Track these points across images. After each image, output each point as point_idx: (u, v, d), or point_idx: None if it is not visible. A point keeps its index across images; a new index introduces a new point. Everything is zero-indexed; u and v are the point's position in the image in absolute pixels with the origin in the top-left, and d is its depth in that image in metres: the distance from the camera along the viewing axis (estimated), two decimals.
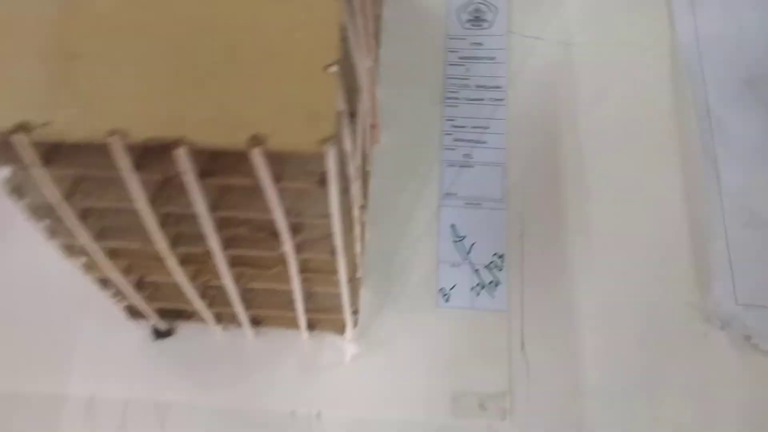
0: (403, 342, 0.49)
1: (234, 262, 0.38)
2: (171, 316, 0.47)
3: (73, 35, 0.31)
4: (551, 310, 0.50)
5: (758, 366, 0.48)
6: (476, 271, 0.51)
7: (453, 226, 0.53)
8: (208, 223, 0.34)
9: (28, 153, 0.29)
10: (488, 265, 0.51)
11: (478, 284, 0.51)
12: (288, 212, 0.33)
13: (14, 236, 0.51)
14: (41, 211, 0.35)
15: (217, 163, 0.31)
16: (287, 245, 0.36)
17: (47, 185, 0.31)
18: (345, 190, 0.35)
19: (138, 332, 0.48)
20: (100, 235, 0.36)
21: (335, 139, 0.29)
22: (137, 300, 0.44)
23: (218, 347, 0.49)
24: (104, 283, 0.42)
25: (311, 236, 0.35)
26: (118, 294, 0.44)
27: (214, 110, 0.29)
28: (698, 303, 0.50)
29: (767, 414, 0.46)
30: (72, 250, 0.38)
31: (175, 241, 0.36)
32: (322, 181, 0.31)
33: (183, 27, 0.31)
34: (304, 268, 0.39)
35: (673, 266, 0.51)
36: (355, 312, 0.46)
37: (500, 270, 0.51)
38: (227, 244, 0.36)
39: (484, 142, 0.55)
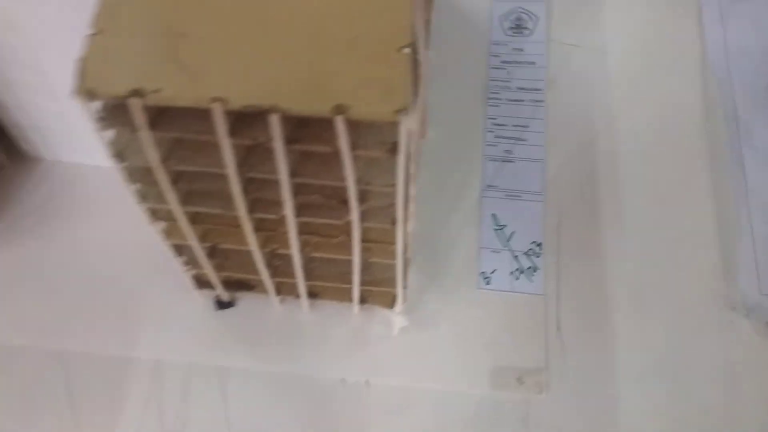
0: (445, 319, 0.52)
1: (302, 230, 0.42)
2: (234, 287, 0.51)
3: (180, 17, 0.35)
4: (586, 295, 0.53)
5: None
6: (515, 257, 0.55)
7: (494, 215, 0.56)
8: (287, 188, 0.38)
9: (139, 116, 0.34)
10: (527, 251, 0.55)
11: (517, 269, 0.54)
12: (358, 180, 0.37)
13: (92, 210, 0.55)
14: (137, 175, 0.39)
15: (300, 132, 0.35)
16: (354, 213, 0.40)
17: (149, 148, 0.36)
18: (408, 164, 0.39)
19: (202, 302, 0.52)
20: (185, 200, 0.40)
21: (407, 110, 0.33)
22: (207, 268, 0.48)
23: (275, 319, 0.52)
24: (179, 250, 0.47)
25: (376, 205, 0.39)
26: (190, 262, 0.48)
27: (302, 83, 0.34)
28: (724, 292, 0.53)
29: None
30: (157, 214, 0.42)
31: (252, 207, 0.40)
32: (393, 150, 0.35)
33: (274, 10, 0.35)
34: (365, 238, 0.43)
35: (701, 258, 0.54)
36: (405, 286, 0.49)
37: (538, 257, 0.55)
38: (299, 211, 0.40)
39: (524, 140, 0.59)
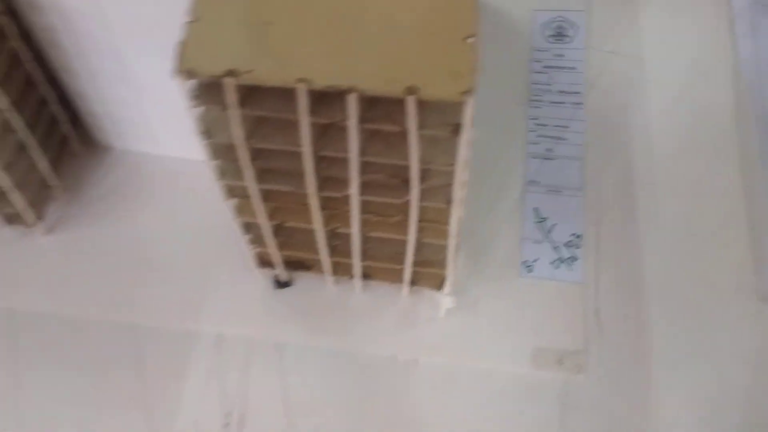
0: (489, 303, 0.56)
1: (363, 209, 0.46)
2: (293, 266, 0.55)
3: (268, 8, 0.39)
4: (622, 284, 0.56)
5: None
6: (556, 247, 0.58)
7: (536, 209, 0.59)
8: (355, 167, 0.42)
9: (231, 94, 0.38)
10: (567, 243, 0.58)
11: (557, 259, 0.57)
12: (420, 159, 0.41)
13: (158, 195, 0.60)
14: (219, 152, 0.43)
15: (368, 113, 0.39)
16: (414, 192, 0.43)
17: (235, 126, 0.40)
18: (466, 146, 0.42)
19: (261, 282, 0.56)
20: (260, 177, 0.44)
21: (472, 92, 0.36)
22: (271, 246, 0.51)
23: (329, 298, 0.56)
24: (247, 227, 0.50)
25: (435, 184, 0.43)
26: (255, 240, 0.52)
27: (377, 66, 0.37)
28: (754, 283, 0.56)
29: None
30: (232, 191, 0.46)
31: (321, 185, 0.44)
32: (456, 131, 0.39)
33: (351, 2, 0.39)
34: (421, 218, 0.46)
35: (732, 251, 0.57)
36: (453, 269, 0.53)
37: (577, 248, 0.58)
38: (363, 189, 0.44)
39: (564, 139, 0.62)
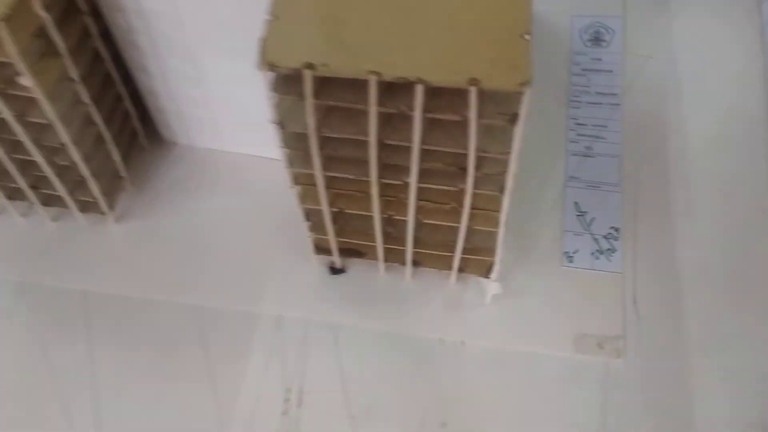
0: (532, 291, 0.59)
1: (420, 196, 0.49)
2: (347, 254, 0.58)
3: (340, 7, 0.43)
4: (659, 274, 0.59)
5: None
6: (595, 239, 0.61)
7: (576, 203, 0.63)
8: (416, 154, 0.45)
9: (309, 85, 0.41)
10: (606, 235, 0.61)
11: (597, 250, 0.60)
12: (478, 148, 0.44)
13: (220, 187, 0.64)
14: (291, 141, 0.47)
15: (432, 103, 0.42)
16: (469, 179, 0.46)
17: (309, 115, 0.43)
18: (520, 135, 0.45)
19: (317, 268, 0.60)
20: (326, 165, 0.48)
21: (530, 84, 0.40)
22: (330, 233, 0.55)
23: (380, 284, 0.59)
24: (309, 214, 0.54)
25: (489, 172, 0.46)
26: (315, 227, 0.55)
27: (441, 60, 0.41)
28: None
29: None
30: (298, 178, 0.50)
31: (382, 172, 0.48)
32: (513, 120, 0.42)
33: (416, 1, 0.43)
34: (473, 205, 0.49)
35: (763, 243, 0.60)
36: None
37: (616, 240, 0.61)
38: (421, 176, 0.47)
39: (603, 138, 0.66)
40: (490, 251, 0.54)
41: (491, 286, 0.57)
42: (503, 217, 0.50)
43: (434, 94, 0.42)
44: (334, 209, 0.53)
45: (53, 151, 0.54)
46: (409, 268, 0.58)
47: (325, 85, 0.43)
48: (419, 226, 0.53)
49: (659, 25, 0.72)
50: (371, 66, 0.40)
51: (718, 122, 0.66)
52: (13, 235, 0.62)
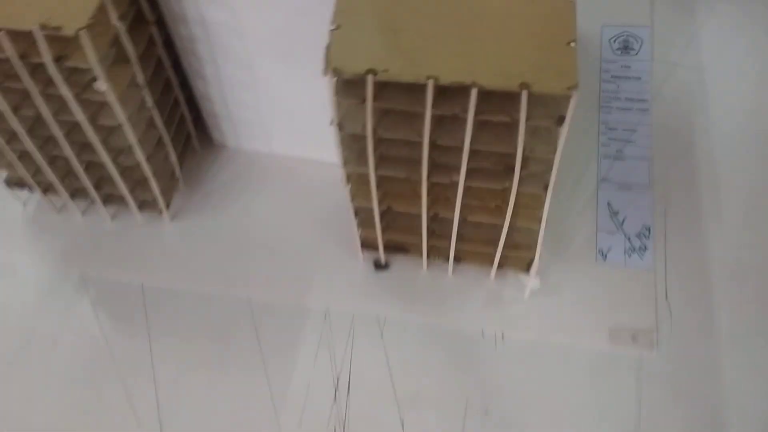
0: (568, 286, 0.61)
1: (466, 194, 0.52)
2: (392, 250, 0.62)
3: (397, 17, 0.46)
4: (689, 270, 0.62)
5: None
6: (628, 238, 0.64)
7: (609, 203, 0.66)
8: (466, 154, 0.48)
9: (371, 89, 0.44)
10: (638, 234, 0.64)
11: (629, 248, 0.63)
12: (524, 148, 0.47)
13: (267, 187, 0.67)
14: (347, 142, 0.50)
15: (482, 106, 0.45)
16: (515, 178, 0.49)
17: (368, 117, 0.46)
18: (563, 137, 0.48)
19: (362, 264, 0.63)
20: (379, 164, 0.51)
21: (576, 88, 0.43)
22: (377, 229, 0.58)
23: (423, 280, 0.62)
24: (358, 211, 0.57)
25: (534, 171, 0.49)
26: (363, 224, 0.58)
27: (493, 66, 0.44)
28: None
29: None
30: (352, 177, 0.53)
31: (431, 171, 0.51)
32: (560, 121, 0.45)
33: (467, 12, 0.46)
34: (517, 203, 0.52)
35: None
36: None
37: (647, 238, 0.63)
38: (469, 175, 0.50)
39: (633, 141, 0.68)
40: (531, 247, 0.57)
41: (530, 281, 0.60)
42: (545, 214, 0.53)
43: (484, 97, 0.45)
44: (383, 207, 0.56)
45: (119, 152, 0.57)
46: (451, 264, 0.61)
47: (383, 89, 0.46)
48: (463, 223, 0.56)
49: (686, 34, 0.75)
50: (428, 71, 0.44)
51: (744, 125, 0.69)
52: (74, 233, 0.65)
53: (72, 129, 0.55)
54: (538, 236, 0.56)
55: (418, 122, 0.47)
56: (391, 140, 0.49)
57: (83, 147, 0.57)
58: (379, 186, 0.53)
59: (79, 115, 0.52)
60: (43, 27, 0.46)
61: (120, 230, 0.65)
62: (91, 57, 0.48)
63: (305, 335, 0.60)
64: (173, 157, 0.63)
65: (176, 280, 0.63)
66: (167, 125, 0.60)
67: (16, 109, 0.54)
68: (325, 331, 0.60)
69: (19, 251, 0.65)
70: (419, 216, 0.56)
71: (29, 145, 0.56)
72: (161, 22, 0.57)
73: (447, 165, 0.50)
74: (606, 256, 0.63)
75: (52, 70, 0.49)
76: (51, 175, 0.60)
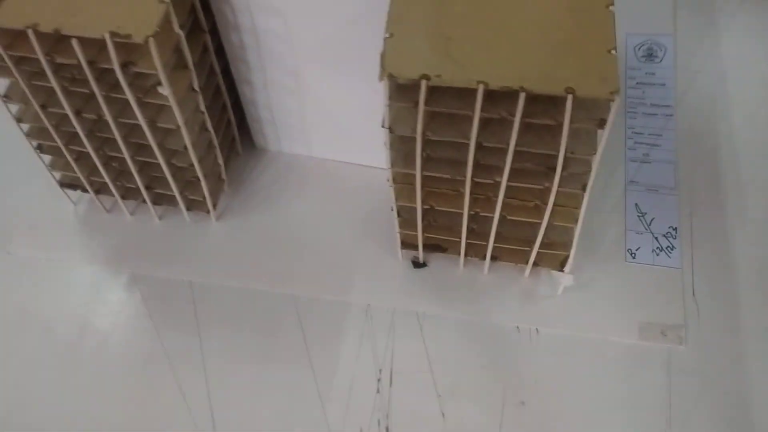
0: (599, 284, 0.64)
1: (507, 194, 0.55)
2: (431, 249, 0.64)
3: (446, 25, 0.49)
4: (715, 268, 0.64)
5: None
6: (655, 238, 0.66)
7: (636, 204, 0.68)
8: (510, 155, 0.51)
9: (423, 94, 0.47)
10: (665, 234, 0.66)
11: (657, 247, 0.66)
12: (566, 149, 0.50)
13: (307, 189, 0.70)
14: (396, 144, 0.53)
15: (527, 110, 0.48)
16: (556, 178, 0.52)
17: (419, 120, 0.49)
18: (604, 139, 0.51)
19: (401, 262, 0.66)
20: (424, 165, 0.54)
21: (619, 92, 0.45)
22: (419, 227, 0.61)
23: (459, 277, 0.65)
24: (401, 211, 0.60)
25: (574, 171, 0.52)
26: (405, 223, 0.61)
27: (539, 71, 0.47)
28: None
29: None
30: (397, 177, 0.56)
31: (475, 172, 0.53)
32: (601, 124, 0.48)
33: (513, 20, 0.49)
34: (556, 202, 0.55)
35: None
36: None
37: (674, 238, 0.66)
38: (511, 176, 0.53)
39: (658, 145, 0.71)
40: (566, 246, 0.60)
41: (564, 278, 0.62)
42: (582, 213, 0.56)
43: (529, 101, 0.48)
44: (426, 206, 0.58)
45: (173, 154, 0.60)
46: (488, 262, 0.64)
47: (433, 93, 0.49)
48: (502, 221, 0.59)
49: (708, 42, 0.78)
50: (478, 76, 0.46)
51: (765, 129, 0.72)
52: (124, 232, 0.68)
53: (130, 131, 0.58)
54: (573, 234, 0.58)
55: (464, 124, 0.50)
56: (438, 142, 0.52)
57: (139, 148, 0.60)
58: (423, 186, 0.56)
59: (140, 117, 0.55)
60: (114, 35, 0.49)
61: (168, 229, 0.68)
62: (157, 63, 0.51)
63: (348, 329, 0.63)
64: (220, 160, 0.66)
65: (223, 277, 0.65)
66: (216, 129, 0.63)
67: (78, 112, 0.56)
68: (366, 325, 0.63)
69: (72, 249, 0.67)
70: (460, 215, 0.58)
71: (88, 146, 0.59)
72: (214, 31, 0.60)
73: (491, 165, 0.53)
74: (635, 254, 0.66)
75: (119, 75, 0.51)
76: (105, 176, 0.63)
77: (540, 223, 0.57)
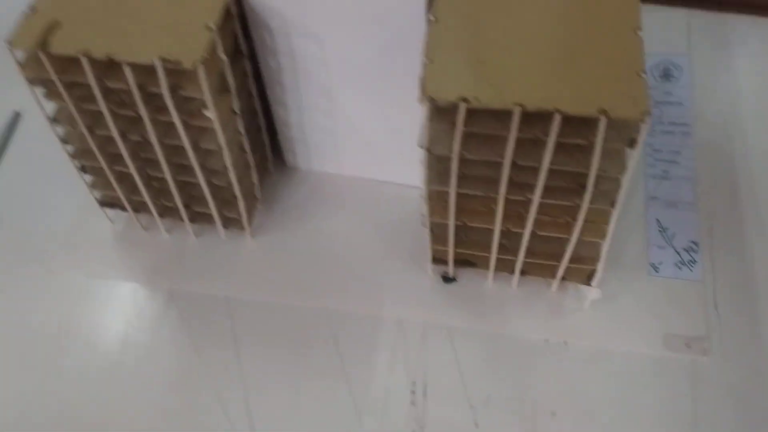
0: (624, 298, 0.66)
1: (539, 210, 0.57)
2: (460, 264, 0.66)
3: (482, 51, 0.51)
4: (736, 282, 0.66)
5: None
6: (677, 252, 0.68)
7: (657, 220, 0.70)
8: (544, 174, 0.53)
9: (461, 116, 0.49)
10: (686, 248, 0.68)
11: (679, 261, 0.68)
12: (598, 168, 0.52)
13: (338, 206, 0.72)
14: (432, 163, 0.55)
15: (560, 129, 0.50)
16: (587, 195, 0.54)
17: (456, 140, 0.51)
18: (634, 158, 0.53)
19: (431, 277, 0.67)
20: (460, 183, 0.56)
21: (650, 113, 0.48)
22: (449, 243, 0.63)
23: (488, 292, 0.67)
24: (433, 227, 0.62)
25: (605, 189, 0.54)
26: (437, 239, 0.63)
27: (573, 93, 0.49)
28: None
29: None
30: (432, 195, 0.58)
31: (508, 189, 0.56)
32: (632, 144, 0.50)
33: (544, 44, 0.51)
34: (586, 218, 0.57)
35: None
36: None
37: (695, 252, 0.68)
38: (543, 193, 0.55)
39: (677, 162, 0.73)
40: (593, 260, 0.62)
41: (591, 291, 0.64)
42: (611, 229, 0.58)
43: (563, 121, 0.50)
44: (458, 222, 0.60)
45: (212, 174, 0.62)
46: (516, 276, 0.66)
47: (470, 115, 0.51)
48: (532, 237, 0.61)
49: (722, 62, 0.81)
50: (515, 99, 0.49)
51: None
52: (160, 249, 0.70)
53: (173, 152, 0.60)
54: (600, 249, 0.60)
55: (499, 144, 0.52)
56: (473, 161, 0.54)
57: (180, 168, 0.62)
58: (456, 203, 0.58)
59: (185, 139, 0.57)
60: (164, 61, 0.51)
61: (204, 246, 0.70)
62: (204, 87, 0.53)
63: (381, 343, 0.65)
64: (255, 179, 0.68)
65: (259, 293, 0.67)
66: (252, 149, 0.65)
67: (123, 134, 0.59)
68: (399, 339, 0.65)
69: (111, 267, 0.69)
70: (491, 231, 0.60)
71: (131, 167, 0.61)
72: (251, 55, 0.62)
73: (523, 183, 0.55)
74: (658, 268, 0.67)
75: (167, 99, 0.54)
76: (145, 195, 0.65)
77: (569, 239, 0.59)
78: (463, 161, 0.54)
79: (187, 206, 0.67)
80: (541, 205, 0.57)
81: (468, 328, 0.65)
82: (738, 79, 0.79)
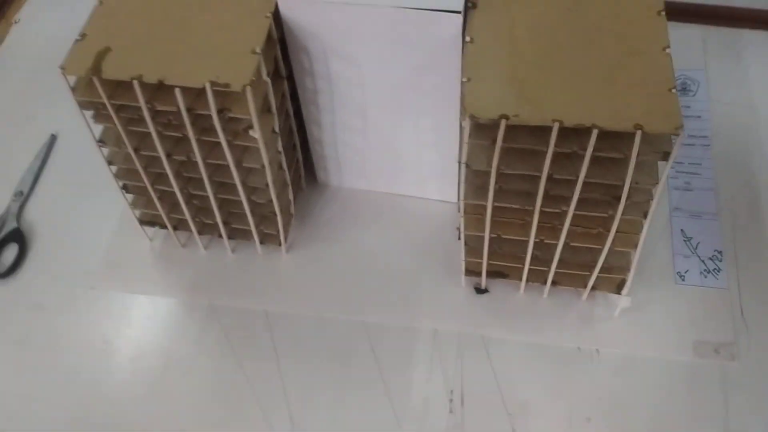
0: (653, 305, 0.68)
1: (573, 222, 0.59)
2: (493, 275, 0.68)
3: (519, 70, 0.54)
4: (760, 288, 0.68)
5: None
6: (702, 261, 0.70)
7: (682, 230, 0.72)
8: (579, 186, 0.55)
9: (501, 132, 0.52)
10: (711, 257, 0.70)
11: (704, 270, 0.70)
12: (632, 180, 0.54)
13: (369, 221, 0.74)
14: (471, 177, 0.57)
15: (596, 144, 0.52)
16: (621, 207, 0.56)
17: (496, 156, 0.53)
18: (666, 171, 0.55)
19: (464, 288, 0.69)
20: (497, 197, 0.58)
21: (683, 127, 0.50)
22: (483, 255, 0.64)
23: (520, 302, 0.69)
24: (468, 239, 0.64)
25: (637, 200, 0.56)
26: (471, 251, 0.65)
27: (609, 109, 0.51)
28: None
29: None
30: (468, 208, 0.60)
31: (543, 201, 0.58)
32: (665, 157, 0.52)
33: (579, 62, 0.54)
34: (618, 229, 0.59)
35: None
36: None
37: (720, 261, 0.70)
38: (577, 205, 0.57)
39: (699, 174, 0.76)
40: (624, 269, 0.64)
41: (622, 300, 0.66)
42: (642, 239, 0.60)
43: (599, 136, 0.52)
44: (493, 235, 0.62)
45: (253, 191, 0.64)
46: (548, 286, 0.67)
47: (509, 131, 0.53)
48: (564, 248, 0.63)
49: (737, 76, 0.83)
50: (553, 115, 0.51)
51: None
52: (199, 265, 0.72)
53: (215, 170, 0.62)
54: (631, 259, 0.62)
55: (536, 159, 0.54)
56: (510, 175, 0.56)
57: (221, 186, 0.64)
58: (496, 215, 0.60)
59: (229, 158, 0.59)
60: (213, 84, 0.54)
61: (241, 262, 0.72)
62: (251, 109, 0.55)
63: (417, 353, 0.66)
64: (291, 195, 0.70)
65: (297, 306, 0.69)
66: (289, 167, 0.67)
67: (168, 155, 0.61)
68: (435, 349, 0.67)
69: (151, 283, 0.71)
70: (525, 242, 0.62)
71: (174, 185, 0.63)
72: (291, 78, 0.64)
73: (558, 195, 0.57)
74: (684, 277, 0.69)
75: (216, 120, 0.56)
76: (186, 213, 0.67)
77: (601, 249, 0.61)
78: (500, 175, 0.56)
79: (226, 223, 0.68)
80: (575, 217, 0.59)
81: (502, 338, 0.67)
82: (753, 92, 0.81)
